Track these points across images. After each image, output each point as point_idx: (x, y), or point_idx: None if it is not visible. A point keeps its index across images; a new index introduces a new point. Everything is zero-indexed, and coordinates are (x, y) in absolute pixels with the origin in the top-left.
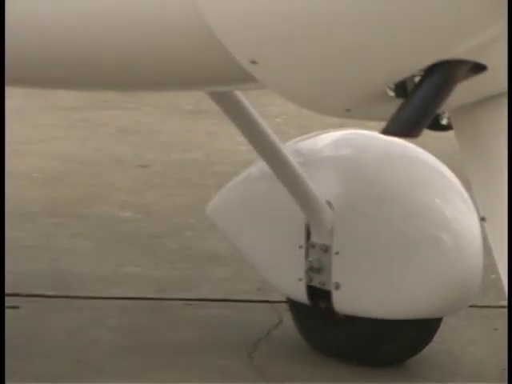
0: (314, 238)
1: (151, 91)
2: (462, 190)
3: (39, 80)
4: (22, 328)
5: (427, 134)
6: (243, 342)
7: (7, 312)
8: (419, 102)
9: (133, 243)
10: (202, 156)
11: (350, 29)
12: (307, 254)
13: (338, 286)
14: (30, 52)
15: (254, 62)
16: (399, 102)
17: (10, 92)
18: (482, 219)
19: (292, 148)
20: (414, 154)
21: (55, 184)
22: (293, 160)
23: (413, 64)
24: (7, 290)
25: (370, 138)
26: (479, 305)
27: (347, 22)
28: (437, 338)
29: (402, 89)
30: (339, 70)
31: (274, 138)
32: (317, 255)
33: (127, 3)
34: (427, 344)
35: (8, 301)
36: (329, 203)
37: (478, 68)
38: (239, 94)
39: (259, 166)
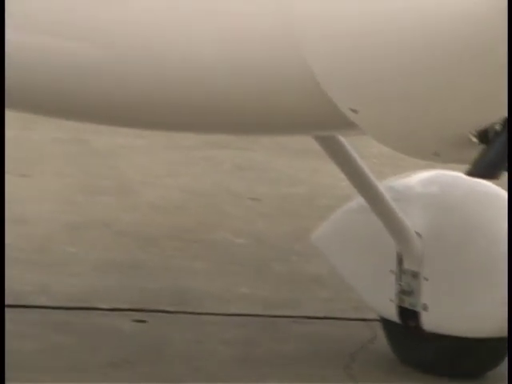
0: (406, 265)
1: (259, 135)
2: None
3: (179, 124)
4: (149, 339)
5: None
6: (341, 354)
7: (136, 325)
8: (500, 148)
9: (244, 266)
10: (307, 190)
11: (441, 84)
12: (399, 279)
13: (426, 308)
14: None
15: (354, 111)
16: (481, 147)
17: (141, 132)
18: None
19: (387, 185)
20: (494, 191)
21: (177, 213)
22: (387, 196)
23: (493, 114)
24: (136, 306)
25: (455, 177)
26: None
27: (439, 79)
28: None
29: (484, 135)
30: (430, 119)
31: (371, 176)
32: (407, 280)
33: (239, 55)
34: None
35: (136, 315)
36: (418, 234)
37: None
38: (340, 136)
39: (357, 201)
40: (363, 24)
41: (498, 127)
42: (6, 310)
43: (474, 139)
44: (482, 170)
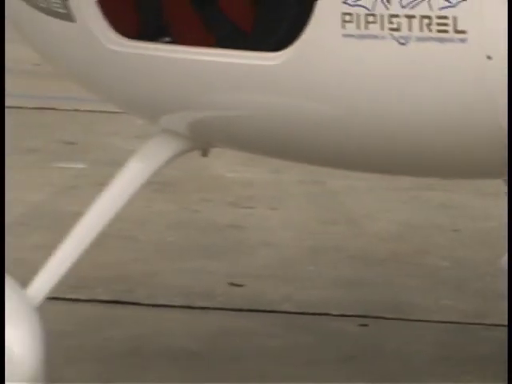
0: None
1: (457, 178)
2: None
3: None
4: (370, 340)
5: None
6: None
7: (360, 328)
8: None
9: (448, 284)
10: (498, 224)
11: None
12: None
13: None
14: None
15: None
16: None
17: (363, 175)
18: None
19: None
20: None
21: (395, 241)
22: None
23: None
24: (360, 313)
25: None
26: None
27: None
28: None
29: None
30: None
31: None
32: None
33: (451, 117)
34: None
35: (361, 321)
36: None
37: None
38: None
39: None
40: None
41: None
42: (256, 314)
43: None
44: None
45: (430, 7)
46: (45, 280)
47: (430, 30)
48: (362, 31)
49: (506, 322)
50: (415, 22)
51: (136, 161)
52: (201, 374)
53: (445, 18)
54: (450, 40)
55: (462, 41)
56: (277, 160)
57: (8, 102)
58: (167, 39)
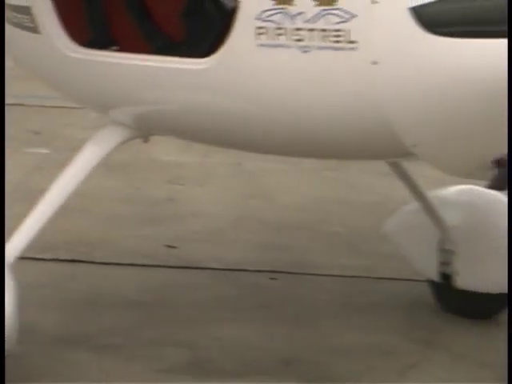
0: (446, 246)
1: (346, 159)
2: None
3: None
4: (280, 292)
5: None
6: None
7: (270, 282)
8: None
9: (343, 246)
10: (383, 198)
11: (476, 130)
12: (440, 255)
13: (458, 273)
14: None
15: (414, 146)
16: (495, 170)
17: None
18: None
19: (434, 195)
20: (503, 198)
21: (301, 212)
22: (434, 202)
23: (503, 148)
24: (270, 269)
25: (478, 189)
26: None
27: (475, 128)
28: None
29: (497, 162)
30: (467, 153)
31: (422, 188)
32: (445, 255)
33: (345, 112)
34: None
35: (271, 275)
36: (453, 226)
37: None
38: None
39: (414, 204)
40: (428, 92)
41: (505, 157)
42: (188, 270)
43: (492, 164)
44: (497, 184)
45: (328, 22)
46: (17, 243)
47: (328, 41)
48: (273, 41)
49: (392, 276)
50: (315, 34)
51: (90, 146)
52: (144, 320)
53: (339, 30)
54: (343, 49)
55: (353, 49)
56: (204, 146)
57: None
58: (115, 47)
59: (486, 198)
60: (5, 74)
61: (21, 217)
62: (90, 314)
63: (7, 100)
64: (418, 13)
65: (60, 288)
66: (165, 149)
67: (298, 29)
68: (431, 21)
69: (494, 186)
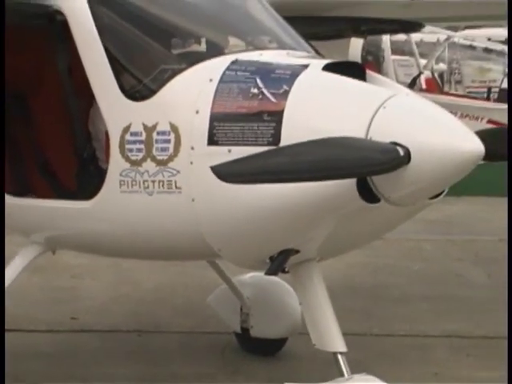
0: (243, 309)
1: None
2: None
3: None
4: None
5: None
6: None
7: None
8: (276, 264)
9: None
10: None
11: (264, 240)
12: (242, 314)
13: (252, 327)
14: None
15: (219, 250)
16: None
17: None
18: None
19: (239, 280)
20: (280, 281)
21: None
22: (237, 283)
23: (276, 250)
24: None
25: (261, 276)
26: None
27: (266, 231)
28: None
29: (272, 258)
30: (255, 256)
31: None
32: (244, 316)
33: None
34: None
35: None
36: (248, 298)
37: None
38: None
39: (224, 286)
40: (227, 220)
41: (275, 255)
42: None
43: (268, 260)
44: (271, 271)
45: (163, 176)
46: None
47: (164, 188)
48: (130, 189)
49: (217, 330)
50: (156, 183)
51: (18, 258)
52: None
53: (170, 181)
54: (174, 192)
55: (180, 192)
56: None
57: None
58: (31, 194)
59: (267, 279)
60: (5, 73)
61: None
62: None
63: None
64: (215, 169)
65: None
66: (71, 256)
67: (146, 181)
68: (224, 173)
69: (269, 272)
